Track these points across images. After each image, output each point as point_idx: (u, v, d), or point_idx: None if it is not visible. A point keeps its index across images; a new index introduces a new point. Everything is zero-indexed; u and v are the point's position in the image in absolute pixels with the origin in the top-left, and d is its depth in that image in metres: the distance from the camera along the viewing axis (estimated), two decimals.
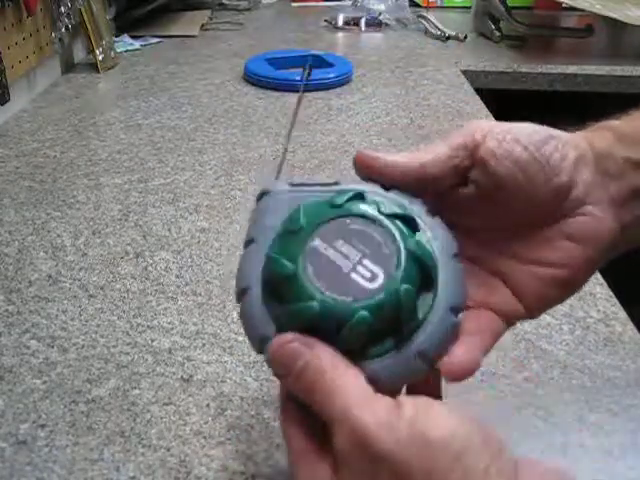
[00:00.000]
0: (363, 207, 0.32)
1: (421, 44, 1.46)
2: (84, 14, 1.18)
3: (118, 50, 1.32)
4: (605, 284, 0.62)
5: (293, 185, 0.34)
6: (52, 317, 0.57)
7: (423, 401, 0.29)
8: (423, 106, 1.07)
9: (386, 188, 0.34)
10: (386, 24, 1.57)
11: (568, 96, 1.31)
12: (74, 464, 0.43)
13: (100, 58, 1.22)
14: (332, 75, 1.17)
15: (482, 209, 0.35)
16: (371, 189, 0.33)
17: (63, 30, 1.14)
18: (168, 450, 0.44)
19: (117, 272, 0.63)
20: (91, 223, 0.72)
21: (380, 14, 1.57)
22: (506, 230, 0.36)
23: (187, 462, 0.43)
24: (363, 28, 1.55)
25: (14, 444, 0.45)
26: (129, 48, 1.37)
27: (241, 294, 0.32)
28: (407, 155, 0.34)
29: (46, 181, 0.81)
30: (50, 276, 0.63)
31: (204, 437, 0.45)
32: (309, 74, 1.14)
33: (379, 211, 0.32)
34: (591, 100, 1.33)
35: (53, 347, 0.54)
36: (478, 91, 1.16)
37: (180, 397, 0.49)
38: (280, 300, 0.31)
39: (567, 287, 0.36)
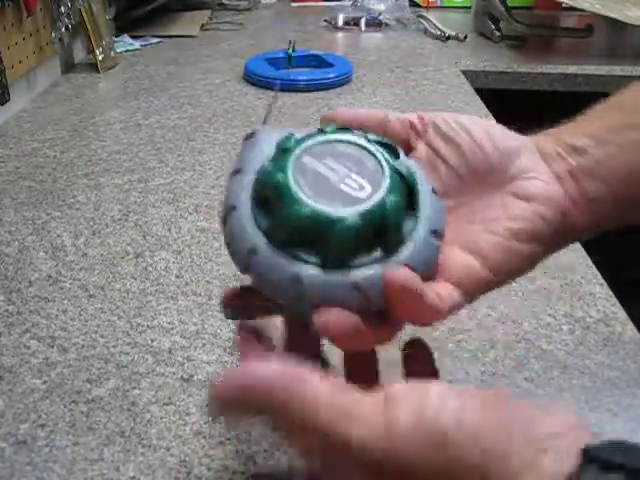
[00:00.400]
0: (350, 135, 0.34)
1: (421, 44, 1.46)
2: (84, 14, 1.18)
3: (118, 50, 1.32)
4: (605, 284, 0.62)
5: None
6: (52, 317, 0.57)
7: (417, 396, 0.27)
8: (423, 106, 1.07)
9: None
10: (386, 24, 1.57)
11: (568, 96, 1.31)
12: (74, 464, 0.43)
13: (100, 58, 1.22)
14: (332, 75, 1.16)
15: (432, 172, 0.37)
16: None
17: (63, 30, 1.14)
18: (168, 450, 0.44)
19: (117, 272, 0.63)
20: (91, 223, 0.72)
21: (380, 14, 1.57)
22: (457, 196, 0.37)
23: (187, 462, 0.43)
24: (363, 28, 1.55)
25: (14, 444, 0.45)
26: (129, 48, 1.37)
27: (228, 213, 0.32)
28: (370, 110, 0.39)
29: (46, 181, 0.81)
30: (50, 276, 0.63)
31: (204, 437, 0.45)
32: (291, 58, 1.16)
33: (365, 138, 0.33)
34: (591, 100, 1.32)
35: (53, 347, 0.54)
36: (478, 91, 1.16)
37: (180, 397, 0.49)
38: (270, 210, 0.31)
39: (528, 241, 0.35)
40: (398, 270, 0.31)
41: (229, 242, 0.33)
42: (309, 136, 0.34)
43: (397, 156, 0.34)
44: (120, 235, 0.70)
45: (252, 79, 1.17)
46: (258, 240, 0.31)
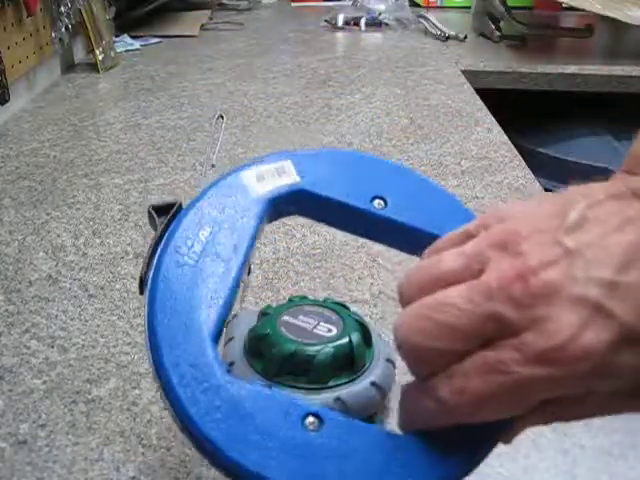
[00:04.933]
0: (312, 300, 0.44)
1: (421, 44, 1.46)
2: (84, 14, 1.18)
3: (118, 50, 1.32)
4: None
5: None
6: (52, 317, 0.57)
7: None
8: (423, 106, 1.07)
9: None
10: (386, 24, 1.57)
11: (568, 96, 1.31)
12: (74, 464, 0.43)
13: (100, 58, 1.22)
14: None
15: None
16: None
17: (63, 30, 1.14)
18: (168, 450, 0.44)
19: (117, 272, 0.63)
20: (91, 223, 0.72)
21: (380, 14, 1.57)
22: None
23: (187, 462, 0.43)
24: (363, 28, 1.55)
25: (14, 444, 0.45)
26: (129, 48, 1.37)
27: (229, 369, 0.38)
28: None
29: (46, 181, 0.81)
30: (50, 276, 0.63)
31: None
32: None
33: (323, 301, 0.43)
34: (591, 100, 1.33)
35: (53, 347, 0.54)
36: (478, 91, 1.16)
37: None
38: (262, 355, 0.39)
39: None
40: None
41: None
42: (282, 305, 0.42)
43: (349, 309, 0.43)
44: (120, 235, 0.70)
45: None
46: (255, 379, 0.38)
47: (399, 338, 0.28)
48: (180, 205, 0.35)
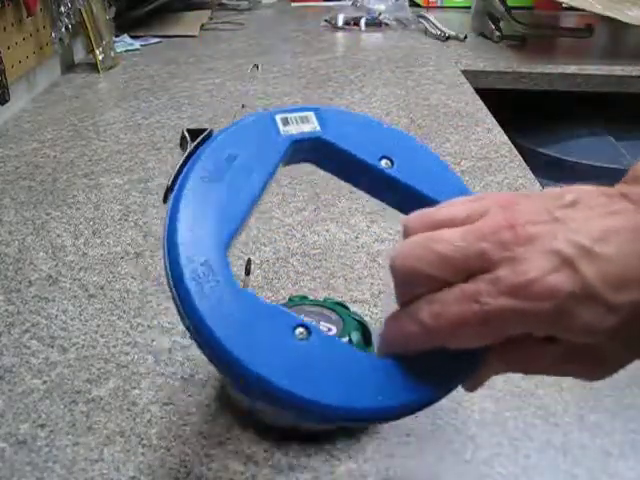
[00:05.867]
0: (311, 300, 0.46)
1: (421, 44, 1.46)
2: (84, 14, 1.18)
3: (118, 50, 1.32)
4: None
5: None
6: (52, 317, 0.57)
7: None
8: (423, 106, 1.07)
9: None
10: (386, 24, 1.57)
11: (568, 96, 1.31)
12: (74, 464, 0.43)
13: (100, 58, 1.22)
14: None
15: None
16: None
17: (63, 30, 1.14)
18: (168, 450, 0.44)
19: (117, 272, 0.63)
20: (91, 223, 0.72)
21: (380, 14, 1.57)
22: None
23: (187, 462, 0.43)
24: (363, 28, 1.55)
25: (14, 444, 0.45)
26: (129, 48, 1.37)
27: None
28: None
29: (46, 181, 0.81)
30: (50, 276, 0.63)
31: (204, 437, 0.45)
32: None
33: (323, 301, 0.45)
34: (591, 100, 1.33)
35: (53, 347, 0.54)
36: (478, 91, 1.16)
37: (180, 397, 0.49)
38: None
39: None
40: None
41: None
42: (283, 304, 0.44)
43: (348, 309, 0.44)
44: (120, 235, 0.70)
45: None
46: None
47: (397, 260, 0.31)
48: (211, 132, 0.38)
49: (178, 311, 0.31)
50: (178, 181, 0.34)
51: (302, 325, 0.32)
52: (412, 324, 0.31)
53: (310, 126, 0.38)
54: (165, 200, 0.37)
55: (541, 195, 0.31)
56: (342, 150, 0.38)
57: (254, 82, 1.18)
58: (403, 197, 0.38)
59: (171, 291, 0.32)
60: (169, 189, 0.37)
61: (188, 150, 0.39)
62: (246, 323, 0.31)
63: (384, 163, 0.38)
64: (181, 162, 0.39)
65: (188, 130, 0.42)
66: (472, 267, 0.29)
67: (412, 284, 0.31)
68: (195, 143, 0.40)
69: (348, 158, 0.38)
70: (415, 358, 0.32)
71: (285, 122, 0.37)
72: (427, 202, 0.36)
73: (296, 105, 0.40)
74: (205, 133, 0.40)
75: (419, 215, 0.33)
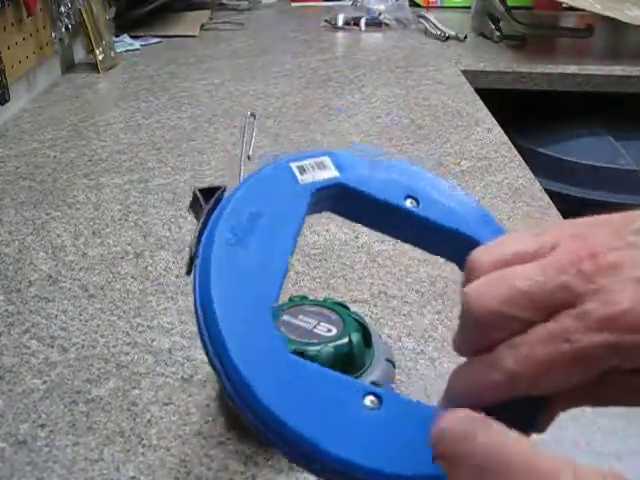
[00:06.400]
0: (312, 300, 0.45)
1: (421, 44, 1.46)
2: (84, 14, 1.18)
3: (118, 50, 1.32)
4: None
5: None
6: (52, 317, 0.57)
7: None
8: (423, 106, 1.07)
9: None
10: (386, 24, 1.57)
11: (568, 96, 1.31)
12: (74, 464, 0.43)
13: (100, 58, 1.22)
14: None
15: None
16: None
17: (63, 30, 1.14)
18: (168, 450, 0.44)
19: (117, 272, 0.63)
20: (91, 223, 0.72)
21: (380, 14, 1.57)
22: None
23: (187, 462, 0.43)
24: (363, 28, 1.55)
25: (14, 444, 0.45)
26: (129, 48, 1.37)
27: None
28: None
29: (46, 181, 0.81)
30: (50, 276, 0.63)
31: (204, 437, 0.45)
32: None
33: (323, 300, 0.44)
34: (591, 100, 1.33)
35: (53, 347, 0.54)
36: (478, 91, 1.16)
37: (180, 397, 0.49)
38: None
39: None
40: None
41: None
42: (282, 304, 0.44)
43: (348, 309, 0.44)
44: (120, 235, 0.70)
45: None
46: None
47: (476, 302, 0.28)
48: (225, 189, 0.35)
49: (234, 403, 0.29)
50: (200, 248, 0.31)
51: (372, 393, 0.29)
52: (495, 372, 0.28)
53: (328, 172, 0.36)
54: (189, 272, 0.33)
55: (608, 221, 0.29)
56: (365, 194, 0.35)
57: (254, 82, 1.18)
58: (437, 237, 0.36)
59: (216, 371, 0.29)
60: (192, 258, 0.33)
61: (205, 211, 0.36)
62: (309, 398, 0.28)
63: (409, 203, 0.35)
64: (199, 227, 0.34)
65: (201, 190, 0.38)
66: (556, 302, 0.27)
67: (493, 327, 0.28)
68: (211, 203, 0.36)
69: (372, 202, 0.35)
70: (488, 410, 0.28)
71: (302, 170, 0.35)
72: (464, 240, 0.34)
73: (307, 152, 0.37)
74: (218, 192, 0.36)
75: (486, 251, 0.31)
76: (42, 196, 0.78)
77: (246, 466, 0.43)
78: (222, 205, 0.33)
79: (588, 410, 0.47)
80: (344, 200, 0.36)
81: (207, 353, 0.29)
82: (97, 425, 0.46)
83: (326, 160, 0.36)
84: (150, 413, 0.47)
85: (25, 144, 0.92)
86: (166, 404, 0.48)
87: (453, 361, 0.30)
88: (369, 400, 0.28)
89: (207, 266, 0.30)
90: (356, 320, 0.44)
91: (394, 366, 0.43)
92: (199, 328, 0.29)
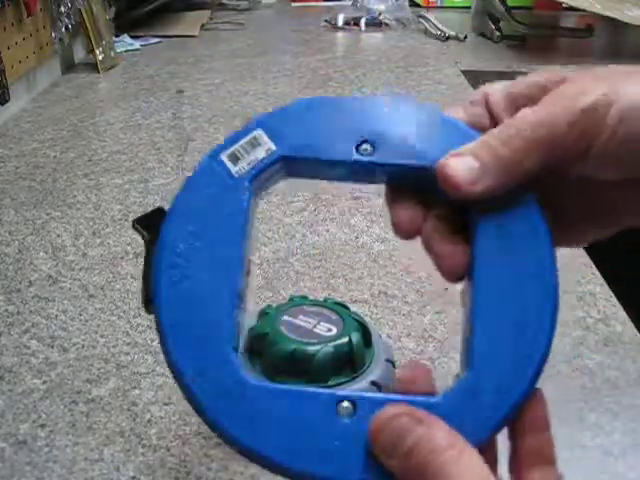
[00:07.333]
0: (312, 300, 0.45)
1: (421, 44, 1.46)
2: (84, 14, 1.18)
3: (118, 50, 1.32)
4: (605, 284, 0.62)
5: None
6: (52, 317, 0.57)
7: None
8: None
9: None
10: (386, 24, 1.57)
11: None
12: (74, 464, 0.43)
13: (100, 58, 1.22)
14: None
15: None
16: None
17: (63, 30, 1.14)
18: (168, 450, 0.44)
19: (117, 272, 0.63)
20: (91, 223, 0.72)
21: (380, 14, 1.57)
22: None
23: (187, 462, 0.43)
24: (363, 28, 1.55)
25: (14, 444, 0.45)
26: (129, 48, 1.37)
27: None
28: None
29: (46, 181, 0.81)
30: (50, 276, 0.63)
31: (204, 437, 0.45)
32: None
33: (323, 301, 0.44)
34: None
35: (53, 347, 0.54)
36: None
37: (180, 397, 0.48)
38: (262, 354, 0.39)
39: None
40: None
41: None
42: (282, 304, 0.44)
43: (349, 309, 0.45)
44: (120, 235, 0.70)
45: None
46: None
47: None
48: (162, 210, 0.33)
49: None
50: (151, 290, 0.30)
51: (344, 399, 0.28)
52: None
53: (263, 149, 0.32)
54: (148, 311, 0.33)
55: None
56: (310, 159, 0.32)
57: (254, 82, 1.18)
58: (394, 176, 0.32)
59: (193, 406, 0.30)
60: (147, 300, 0.33)
61: (145, 248, 0.35)
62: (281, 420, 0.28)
63: (364, 149, 0.31)
64: (144, 267, 0.33)
65: (137, 221, 0.36)
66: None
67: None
68: (152, 234, 0.34)
69: (320, 163, 0.32)
70: None
71: (234, 159, 0.32)
72: (427, 175, 0.30)
73: (238, 130, 0.33)
74: (158, 217, 0.34)
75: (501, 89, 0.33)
76: (42, 196, 0.78)
77: (246, 466, 0.43)
78: (161, 236, 0.32)
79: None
80: (290, 169, 0.33)
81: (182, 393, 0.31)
82: (97, 425, 0.46)
83: (259, 135, 0.32)
84: (150, 413, 0.47)
85: (25, 144, 0.92)
86: (166, 404, 0.48)
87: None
88: (342, 407, 0.28)
89: (159, 309, 0.30)
90: (356, 320, 0.44)
91: (394, 366, 0.43)
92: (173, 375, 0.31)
